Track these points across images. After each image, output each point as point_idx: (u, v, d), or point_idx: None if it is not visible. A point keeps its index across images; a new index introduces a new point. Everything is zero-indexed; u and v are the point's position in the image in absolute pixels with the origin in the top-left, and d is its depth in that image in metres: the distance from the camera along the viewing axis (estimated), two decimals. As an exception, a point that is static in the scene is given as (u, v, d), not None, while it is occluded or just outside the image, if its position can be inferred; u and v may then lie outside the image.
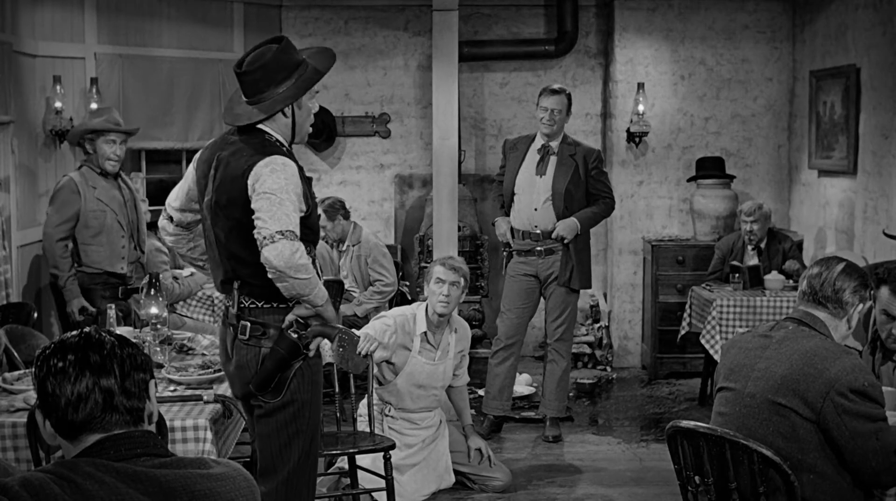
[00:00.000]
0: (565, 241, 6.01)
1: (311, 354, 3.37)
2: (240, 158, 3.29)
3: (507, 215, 6.21)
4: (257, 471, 3.39)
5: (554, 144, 6.08)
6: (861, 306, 3.27)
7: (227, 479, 2.01)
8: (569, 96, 6.12)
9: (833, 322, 3.24)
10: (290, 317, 3.30)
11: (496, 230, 6.27)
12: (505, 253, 6.36)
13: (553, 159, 6.06)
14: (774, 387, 3.10)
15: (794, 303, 6.02)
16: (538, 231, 6.09)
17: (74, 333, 2.02)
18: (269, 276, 3.18)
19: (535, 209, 6.07)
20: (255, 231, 3.17)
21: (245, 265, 3.28)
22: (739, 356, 3.28)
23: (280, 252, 3.11)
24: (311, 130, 3.53)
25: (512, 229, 6.18)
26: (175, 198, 3.61)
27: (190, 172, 3.54)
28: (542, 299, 6.25)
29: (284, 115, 3.40)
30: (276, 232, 3.12)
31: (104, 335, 2.01)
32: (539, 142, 6.13)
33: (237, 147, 3.34)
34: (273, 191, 3.17)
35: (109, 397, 1.95)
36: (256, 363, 3.33)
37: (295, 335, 3.30)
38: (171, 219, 3.63)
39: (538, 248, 6.10)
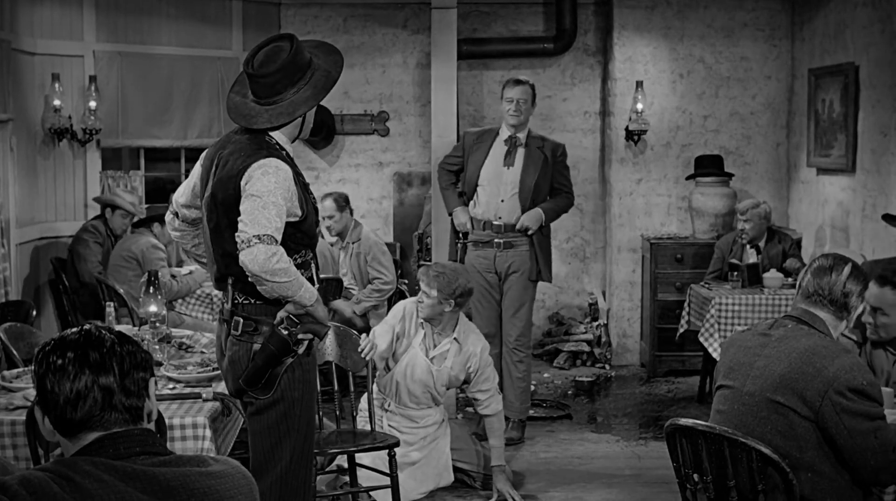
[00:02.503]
0: (529, 232, 5.95)
1: (301, 351, 3.37)
2: (237, 158, 3.31)
3: (466, 205, 6.05)
4: (249, 469, 3.39)
5: (521, 136, 6.00)
6: (861, 306, 3.30)
7: (227, 477, 2.01)
8: (533, 87, 6.03)
9: (834, 323, 3.25)
10: (281, 314, 3.32)
11: (456, 220, 6.07)
12: (459, 244, 6.12)
13: (521, 151, 5.97)
14: (773, 385, 3.10)
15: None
16: (500, 223, 5.97)
17: (74, 330, 2.02)
18: (249, 279, 3.20)
19: (502, 201, 5.96)
20: (235, 234, 3.20)
21: (236, 263, 3.29)
22: (738, 354, 3.28)
23: (255, 257, 3.13)
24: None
25: (472, 220, 6.03)
26: (181, 194, 3.63)
27: (196, 169, 3.56)
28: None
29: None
30: (254, 236, 3.14)
31: (104, 332, 2.00)
32: (505, 133, 6.00)
33: (237, 147, 3.36)
34: (259, 194, 3.19)
35: (108, 395, 1.95)
36: (248, 358, 3.34)
37: (285, 332, 3.30)
38: (176, 215, 3.65)
39: (497, 240, 5.98)
